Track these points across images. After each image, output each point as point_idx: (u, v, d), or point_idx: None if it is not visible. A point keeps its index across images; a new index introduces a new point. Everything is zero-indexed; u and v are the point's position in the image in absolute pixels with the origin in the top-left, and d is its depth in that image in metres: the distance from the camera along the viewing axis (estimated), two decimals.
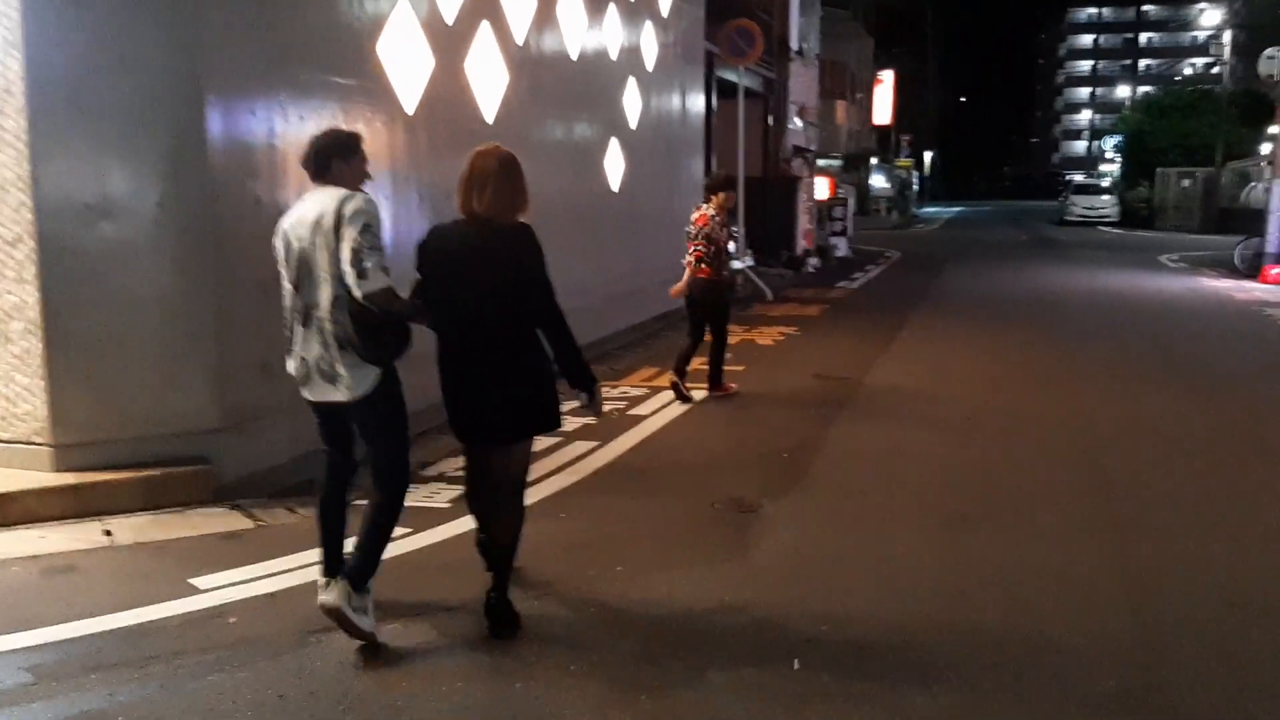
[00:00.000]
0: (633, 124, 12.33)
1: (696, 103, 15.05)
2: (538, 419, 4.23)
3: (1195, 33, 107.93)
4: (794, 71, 22.18)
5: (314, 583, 4.45)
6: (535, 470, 5.51)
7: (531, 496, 5.05)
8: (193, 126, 5.88)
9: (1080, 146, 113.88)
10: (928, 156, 64.76)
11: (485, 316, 4.10)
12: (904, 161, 49.85)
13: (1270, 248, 19.90)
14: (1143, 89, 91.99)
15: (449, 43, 8.38)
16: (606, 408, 7.78)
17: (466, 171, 4.17)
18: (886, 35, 45.56)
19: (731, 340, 11.33)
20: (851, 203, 25.25)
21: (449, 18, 8.33)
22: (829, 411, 8.47)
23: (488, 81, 8.94)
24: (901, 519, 5.82)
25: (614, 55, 11.74)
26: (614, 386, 9.30)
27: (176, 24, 5.85)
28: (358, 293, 3.94)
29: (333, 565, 4.36)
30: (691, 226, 8.90)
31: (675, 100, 14.06)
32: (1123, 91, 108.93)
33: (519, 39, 9.47)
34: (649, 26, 12.79)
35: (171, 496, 5.83)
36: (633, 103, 12.31)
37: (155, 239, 5.90)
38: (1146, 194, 40.11)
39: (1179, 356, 11.55)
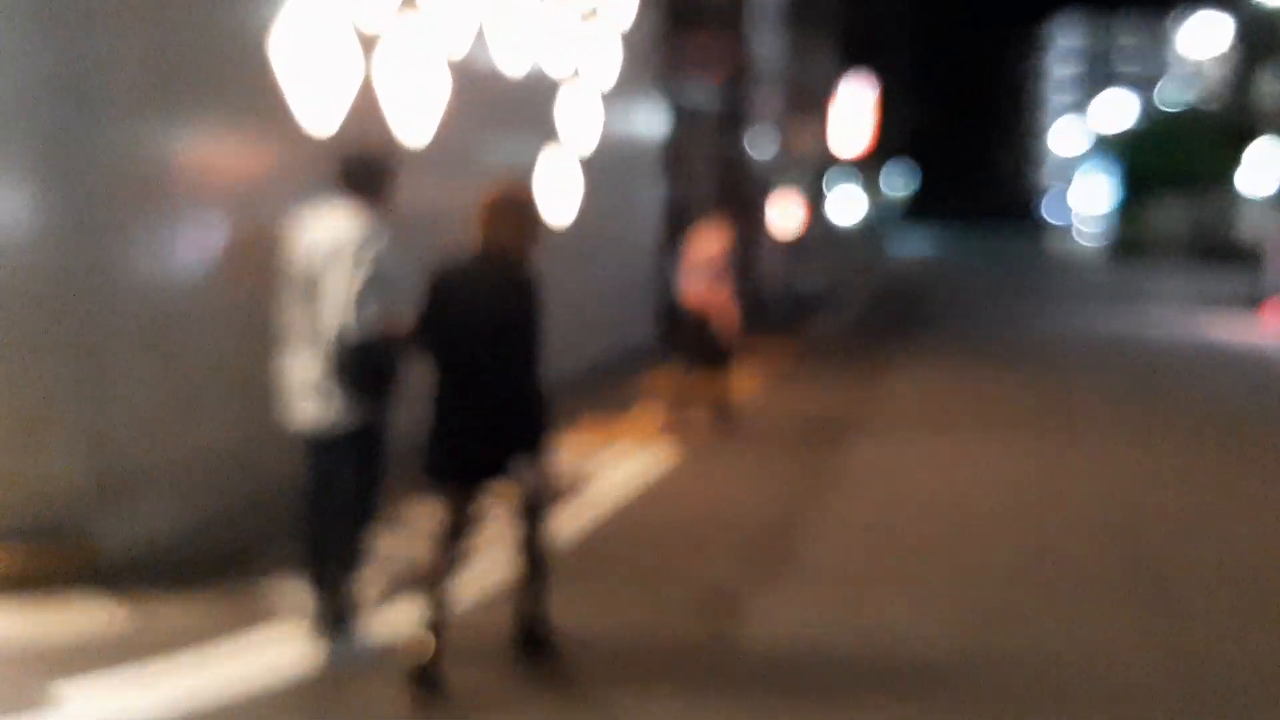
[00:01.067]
0: (589, 144, 11.96)
1: (656, 124, 14.74)
2: (540, 442, 4.37)
3: (1178, 60, 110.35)
4: (758, 91, 21.99)
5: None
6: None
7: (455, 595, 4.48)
8: (65, 145, 5.40)
9: (1055, 172, 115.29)
10: (899, 180, 64.85)
11: (498, 353, 4.26)
12: (872, 186, 49.77)
13: (1272, 284, 19.92)
14: (1123, 114, 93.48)
15: (369, 54, 7.96)
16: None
17: (484, 205, 4.34)
18: (855, 55, 45.57)
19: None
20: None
21: (369, 25, 7.91)
22: (813, 480, 8.06)
23: (421, 97, 8.51)
24: (911, 610, 5.31)
25: (569, 69, 11.38)
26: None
27: (57, 32, 5.37)
28: (349, 337, 4.20)
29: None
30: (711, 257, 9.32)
31: (634, 119, 13.73)
32: (1106, 116, 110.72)
33: (455, 49, 9.07)
34: (608, 38, 12.46)
35: (33, 577, 5.28)
36: (589, 120, 11.95)
37: (17, 274, 5.39)
38: (1140, 225, 40.41)
39: (1194, 409, 11.30)
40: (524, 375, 4.33)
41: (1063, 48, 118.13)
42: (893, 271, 34.28)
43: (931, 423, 9.94)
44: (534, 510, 4.43)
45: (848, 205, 44.14)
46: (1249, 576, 5.88)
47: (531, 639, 4.43)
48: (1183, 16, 51.49)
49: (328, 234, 4.31)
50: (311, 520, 4.53)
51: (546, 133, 11.16)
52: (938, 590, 5.58)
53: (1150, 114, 52.13)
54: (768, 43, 23.30)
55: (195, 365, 5.90)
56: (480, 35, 9.37)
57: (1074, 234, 42.98)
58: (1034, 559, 6.16)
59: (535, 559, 4.44)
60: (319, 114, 7.22)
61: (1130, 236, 40.68)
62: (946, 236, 57.91)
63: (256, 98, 6.67)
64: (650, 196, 14.72)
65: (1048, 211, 68.21)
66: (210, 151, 6.32)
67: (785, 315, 19.07)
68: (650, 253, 14.74)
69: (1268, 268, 20.35)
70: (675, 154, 16.49)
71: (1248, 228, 35.25)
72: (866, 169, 46.72)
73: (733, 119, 19.75)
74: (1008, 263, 39.24)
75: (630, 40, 13.33)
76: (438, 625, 4.15)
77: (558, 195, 11.38)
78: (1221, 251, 35.75)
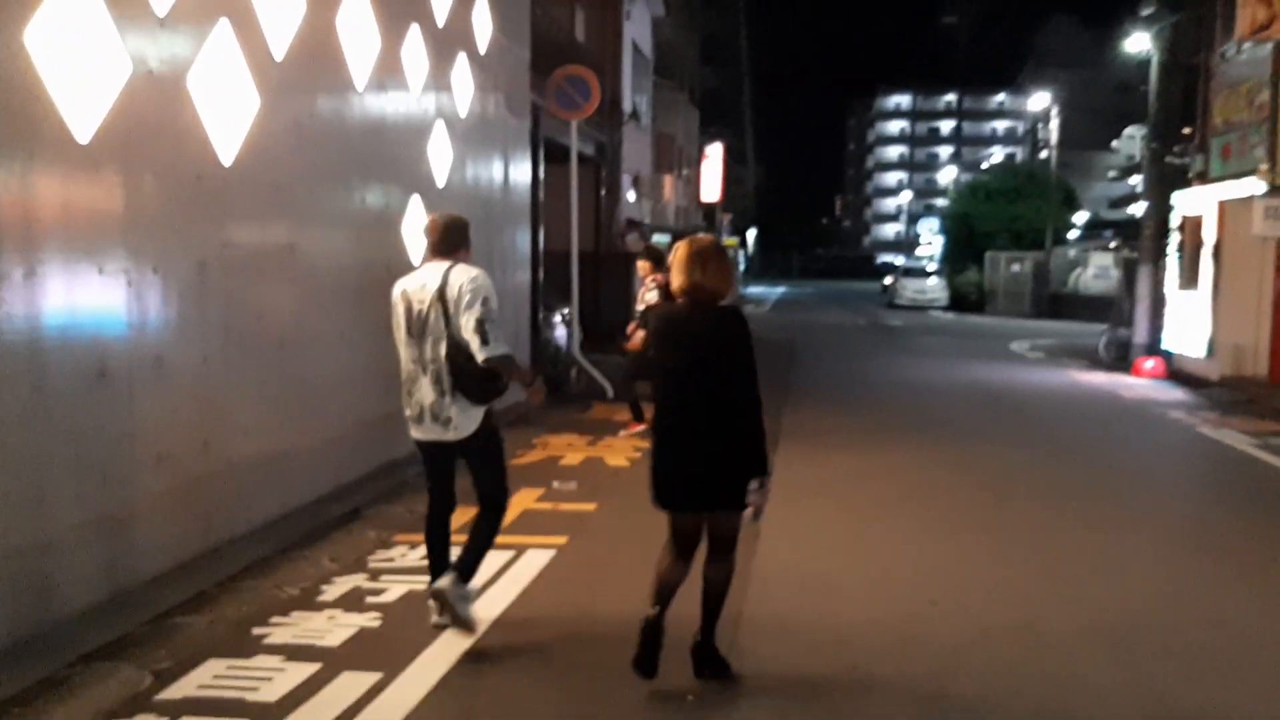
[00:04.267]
0: (441, 182, 9.76)
1: (522, 164, 12.62)
2: (734, 496, 4.50)
3: (1003, 122, 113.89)
4: (628, 137, 20.13)
5: None
6: None
7: None
8: None
9: (891, 230, 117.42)
10: (750, 235, 64.46)
11: (704, 390, 4.48)
12: (730, 240, 48.81)
13: (1138, 338, 18.79)
14: (951, 174, 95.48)
15: (162, 48, 5.67)
16: (373, 618, 5.42)
17: (685, 253, 4.57)
18: (706, 112, 44.60)
19: (576, 459, 9.12)
20: None
21: (160, 7, 5.64)
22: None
23: (226, 108, 6.24)
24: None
25: (417, 92, 9.19)
26: (411, 546, 6.59)
27: None
28: (481, 357, 4.88)
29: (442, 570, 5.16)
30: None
31: (496, 158, 11.59)
32: (933, 176, 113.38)
33: (276, 53, 6.82)
34: (463, 63, 10.31)
35: None
36: (441, 156, 9.76)
37: None
38: (977, 278, 39.86)
39: (1126, 487, 9.62)
40: (738, 409, 4.48)
41: (894, 115, 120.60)
42: (753, 316, 32.68)
43: (832, 493, 8.03)
44: (723, 548, 4.64)
45: None
46: None
47: (700, 657, 4.66)
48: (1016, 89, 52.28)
49: (431, 284, 5.02)
50: (495, 512, 5.23)
51: (403, 173, 8.96)
52: None
53: (981, 172, 52.51)
54: (635, 89, 21.48)
55: None
56: (306, 34, 7.14)
57: (913, 289, 42.21)
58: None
59: (709, 593, 4.65)
60: (86, 118, 4.93)
61: (967, 290, 40.10)
62: (792, 292, 57.13)
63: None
64: (520, 241, 12.56)
65: (889, 267, 68.50)
66: None
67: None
68: (522, 301, 12.58)
69: (1131, 321, 19.20)
70: (546, 198, 14.40)
71: (1092, 280, 34.92)
72: (715, 223, 45.63)
73: (602, 163, 17.84)
74: (857, 313, 38.14)
75: (492, 77, 11.22)
76: (654, 618, 4.54)
77: (415, 238, 9.16)
78: (1065, 303, 35.29)
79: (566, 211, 14.14)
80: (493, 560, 6.20)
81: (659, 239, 27.26)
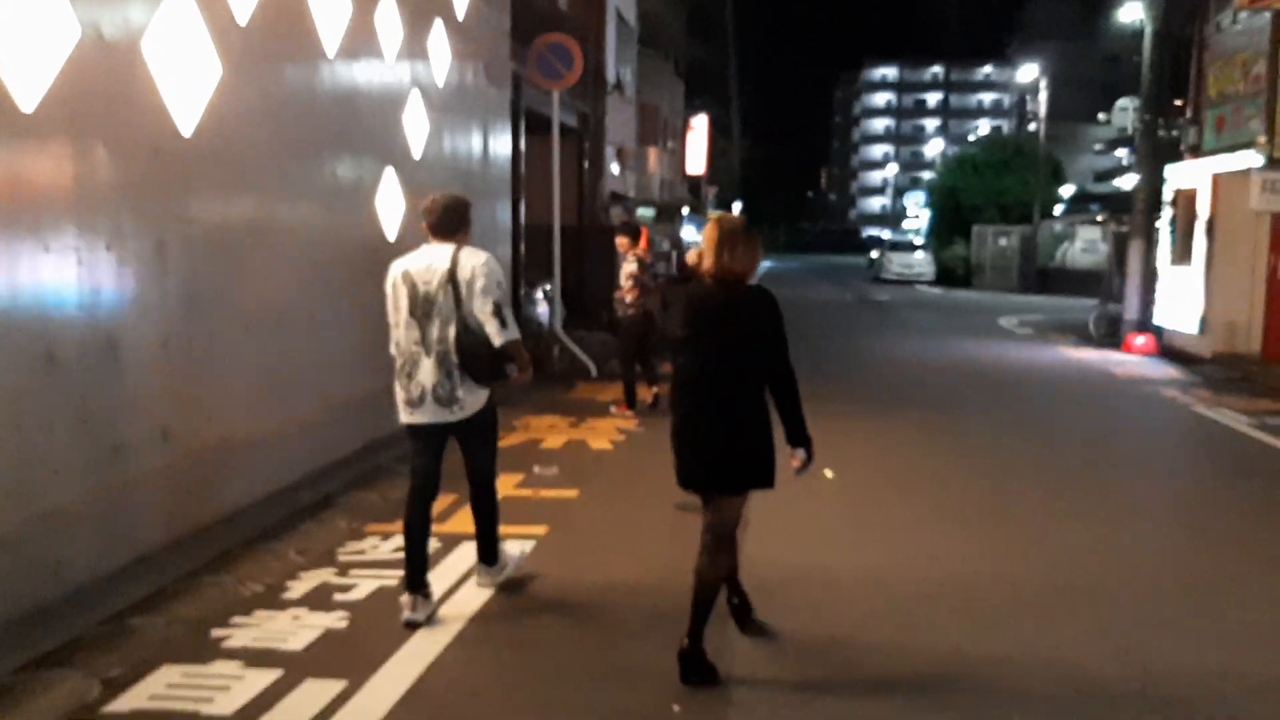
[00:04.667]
0: (417, 154, 9.39)
1: (502, 135, 12.23)
2: (758, 475, 4.52)
3: (990, 95, 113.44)
4: (611, 108, 19.71)
5: None
6: None
7: None
8: None
9: (877, 203, 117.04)
10: (736, 208, 63.99)
11: (729, 369, 4.46)
12: (717, 214, 48.35)
13: (1129, 314, 18.52)
14: (937, 147, 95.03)
15: (114, 11, 5.30)
16: (340, 618, 5.10)
17: (714, 233, 4.50)
18: (691, 84, 44.08)
19: (558, 442, 8.84)
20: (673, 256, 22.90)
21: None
22: None
23: (185, 76, 5.87)
24: None
25: (390, 60, 8.81)
26: (383, 537, 6.28)
27: None
28: (499, 341, 4.95)
29: (417, 581, 5.04)
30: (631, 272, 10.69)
31: (475, 129, 11.20)
32: (919, 149, 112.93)
33: (239, 17, 6.44)
34: (440, 30, 9.92)
35: None
36: (417, 127, 9.39)
37: None
38: (964, 252, 39.56)
39: (1127, 471, 9.38)
40: (753, 394, 4.47)
41: (881, 87, 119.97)
42: None
43: (825, 481, 7.74)
44: (723, 535, 4.59)
45: (691, 229, 42.48)
46: None
47: (689, 663, 4.44)
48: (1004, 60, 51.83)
49: (437, 266, 4.98)
50: (489, 487, 5.41)
51: (376, 144, 8.59)
52: None
53: (968, 145, 52.17)
54: (619, 59, 21.05)
55: None
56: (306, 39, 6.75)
57: (900, 263, 41.89)
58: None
59: (697, 584, 4.50)
60: (27, 80, 4.57)
61: (953, 264, 39.79)
62: (778, 266, 56.87)
63: None
64: (501, 215, 12.19)
65: (875, 241, 68.24)
66: None
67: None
68: (505, 269, 12.21)
69: (1121, 297, 18.96)
70: (527, 170, 14.02)
71: (1080, 255, 34.68)
72: (700, 196, 45.21)
73: (585, 135, 17.44)
74: (844, 288, 37.86)
75: (471, 45, 10.82)
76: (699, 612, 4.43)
77: (389, 212, 8.81)
78: (1052, 278, 35.03)
79: (548, 184, 13.77)
80: (466, 554, 5.93)
81: (643, 213, 26.88)
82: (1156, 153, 18.22)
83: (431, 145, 9.68)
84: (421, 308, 4.97)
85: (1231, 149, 15.52)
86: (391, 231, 8.81)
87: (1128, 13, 19.68)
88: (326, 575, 5.63)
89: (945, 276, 39.74)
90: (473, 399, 5.04)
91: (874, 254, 50.53)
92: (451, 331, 4.93)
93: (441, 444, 5.17)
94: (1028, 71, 43.74)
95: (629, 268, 10.76)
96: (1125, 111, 20.36)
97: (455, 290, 4.92)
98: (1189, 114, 17.67)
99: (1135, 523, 7.21)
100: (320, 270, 7.53)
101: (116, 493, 5.36)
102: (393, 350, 5.11)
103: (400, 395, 5.08)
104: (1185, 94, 18.77)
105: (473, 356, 4.94)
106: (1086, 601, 5.55)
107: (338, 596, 5.32)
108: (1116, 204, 46.12)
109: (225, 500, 6.34)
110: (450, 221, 5.11)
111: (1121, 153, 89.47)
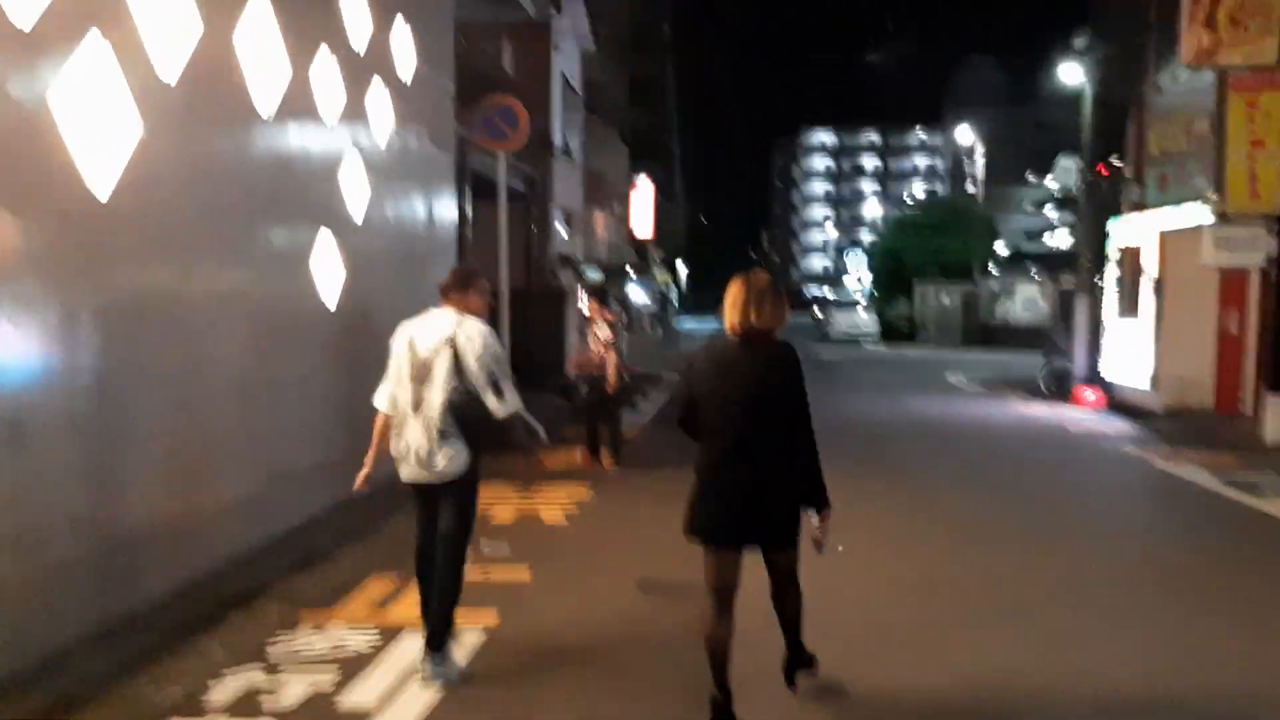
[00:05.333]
0: (358, 218, 8.94)
1: (447, 198, 11.82)
2: (787, 532, 4.53)
3: (923, 159, 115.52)
4: (559, 172, 19.42)
5: None
6: None
7: None
8: None
9: (818, 263, 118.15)
10: (680, 268, 64.02)
11: (765, 426, 4.41)
12: (663, 275, 48.29)
13: (1078, 369, 18.41)
14: (875, 208, 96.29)
15: (19, 64, 4.82)
16: (299, 689, 4.59)
17: (741, 292, 4.49)
18: (635, 150, 44.19)
19: (507, 515, 8.40)
20: (624, 317, 22.49)
21: (22, 21, 4.78)
22: (679, 675, 5.19)
23: (101, 136, 5.38)
24: None
25: (329, 121, 8.37)
26: (318, 628, 5.72)
27: None
28: (502, 413, 5.04)
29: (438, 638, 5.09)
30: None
31: (419, 193, 10.78)
32: (858, 210, 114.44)
33: (164, 74, 5.97)
34: (381, 91, 9.51)
35: None
36: (357, 190, 8.94)
37: None
38: (907, 310, 39.70)
39: (1101, 534, 9.03)
40: (793, 444, 4.49)
41: (818, 151, 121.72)
42: (690, 353, 31.93)
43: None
44: (787, 579, 4.65)
45: (637, 290, 42.30)
46: None
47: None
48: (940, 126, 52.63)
49: (438, 332, 5.08)
50: (450, 551, 5.16)
51: (313, 208, 8.12)
52: None
53: (906, 207, 52.77)
54: (565, 123, 20.80)
55: None
56: (202, 55, 6.29)
57: (846, 322, 42.04)
58: None
59: (785, 621, 4.72)
60: None
61: (898, 322, 39.93)
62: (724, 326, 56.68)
63: None
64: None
65: (819, 300, 68.67)
66: None
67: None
68: None
69: (1069, 352, 18.85)
70: (474, 233, 13.61)
71: (1022, 311, 34.87)
72: (647, 258, 45.16)
73: (532, 198, 17.10)
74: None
75: (414, 107, 10.44)
76: (718, 675, 4.41)
77: (327, 278, 8.32)
78: (994, 333, 35.17)
79: (495, 248, 13.35)
80: (409, 645, 5.39)
81: (591, 274, 26.58)
82: (1100, 209, 18.23)
83: (373, 209, 9.23)
84: (418, 371, 5.07)
85: (1176, 204, 15.50)
86: (330, 298, 8.32)
87: (1067, 74, 19.77)
88: (253, 674, 5.06)
89: (890, 333, 39.82)
90: (451, 465, 5.04)
91: (818, 313, 50.64)
92: (439, 397, 4.99)
93: (434, 499, 5.18)
94: (964, 134, 44.39)
95: (603, 333, 10.79)
96: (1068, 170, 20.31)
97: (455, 357, 5.01)
98: (1132, 171, 17.69)
99: (1124, 592, 6.82)
100: (252, 339, 7.01)
101: (16, 589, 4.78)
102: (388, 407, 5.21)
103: (393, 450, 5.19)
104: (1121, 152, 18.88)
105: (472, 422, 5.02)
106: (1089, 681, 5.13)
107: (265, 701, 4.75)
108: (1049, 262, 46.76)
109: (143, 592, 5.74)
110: (457, 285, 5.24)
111: (1051, 212, 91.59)
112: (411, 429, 5.04)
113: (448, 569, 5.11)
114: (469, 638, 5.58)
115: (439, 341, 5.02)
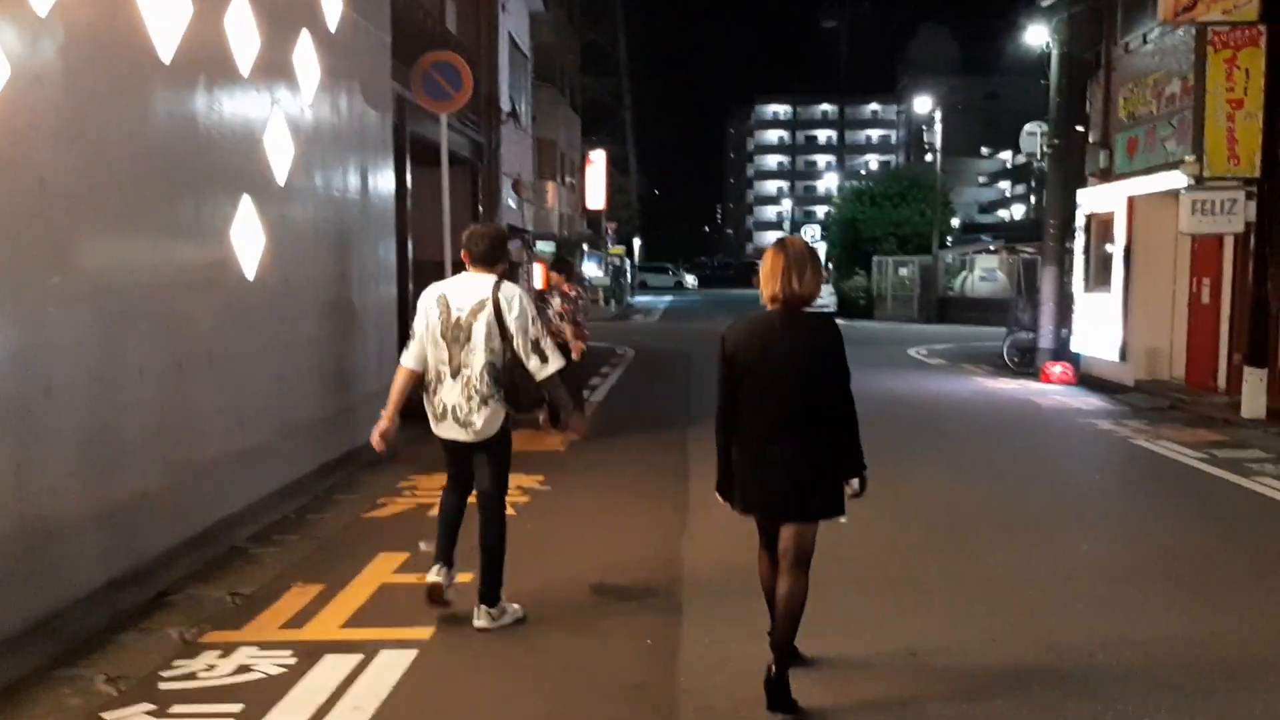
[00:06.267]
0: (280, 179, 8.07)
1: (384, 162, 10.94)
2: (832, 502, 4.48)
3: (878, 130, 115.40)
4: (507, 137, 18.51)
5: None
6: None
7: None
8: None
9: (772, 237, 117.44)
10: (636, 244, 63.27)
11: (797, 396, 4.35)
12: (616, 249, 47.47)
13: (1044, 342, 17.89)
14: (830, 181, 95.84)
15: None
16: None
17: (780, 259, 4.37)
18: (587, 122, 43.23)
19: None
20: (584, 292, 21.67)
21: None
22: (639, 686, 4.48)
23: None
24: None
25: (246, 71, 7.48)
26: (224, 652, 4.92)
27: None
28: (543, 374, 5.15)
29: (446, 555, 5.40)
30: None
31: (353, 155, 9.89)
32: (812, 184, 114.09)
33: (37, 6, 5.09)
34: (305, 41, 8.62)
35: None
36: (280, 150, 8.07)
37: None
38: (865, 283, 39.18)
39: (1090, 519, 8.42)
40: (820, 420, 4.40)
41: (772, 125, 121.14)
42: (644, 326, 31.27)
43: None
44: (802, 561, 4.44)
45: (591, 265, 41.51)
46: None
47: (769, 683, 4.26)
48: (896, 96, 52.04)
49: (472, 295, 5.16)
50: (491, 509, 5.37)
51: (228, 170, 7.23)
52: None
53: (865, 178, 52.30)
54: (513, 88, 19.89)
55: None
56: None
57: None
58: None
59: (785, 614, 4.37)
60: None
61: (855, 295, 39.38)
62: (679, 300, 56.15)
63: None
64: (384, 250, 10.86)
65: None
66: None
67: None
68: (388, 318, 10.87)
69: (1034, 325, 18.33)
70: (416, 202, 12.73)
71: (979, 283, 34.45)
72: (601, 232, 44.39)
73: (479, 164, 16.19)
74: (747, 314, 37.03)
75: (345, 61, 9.56)
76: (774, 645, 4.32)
77: (247, 247, 7.46)
78: (952, 306, 34.76)
79: (439, 217, 12.49)
80: (330, 669, 4.63)
81: (543, 247, 25.72)
82: (1068, 177, 17.68)
83: (299, 171, 8.36)
84: (452, 332, 5.15)
85: (1147, 171, 14.96)
86: (250, 268, 7.46)
87: (1033, 35, 19.18)
88: (140, 714, 4.27)
89: (847, 307, 39.24)
90: (487, 424, 5.17)
91: None
92: (480, 359, 5.11)
93: (468, 454, 5.33)
94: (922, 103, 43.83)
95: (557, 303, 10.95)
96: (1033, 136, 19.71)
97: (500, 322, 5.12)
98: (1099, 137, 17.11)
99: (1126, 583, 6.19)
100: (154, 318, 6.16)
101: None
102: (416, 365, 5.29)
103: (427, 409, 5.29)
104: (1084, 120, 18.31)
105: (516, 385, 5.17)
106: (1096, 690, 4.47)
107: None
108: (1004, 233, 46.46)
109: (17, 612, 4.91)
110: (492, 252, 5.33)
111: (1004, 184, 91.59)
112: (449, 390, 5.14)
113: (490, 527, 5.29)
114: (397, 660, 4.81)
115: (476, 303, 5.11)
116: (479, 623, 5.16)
